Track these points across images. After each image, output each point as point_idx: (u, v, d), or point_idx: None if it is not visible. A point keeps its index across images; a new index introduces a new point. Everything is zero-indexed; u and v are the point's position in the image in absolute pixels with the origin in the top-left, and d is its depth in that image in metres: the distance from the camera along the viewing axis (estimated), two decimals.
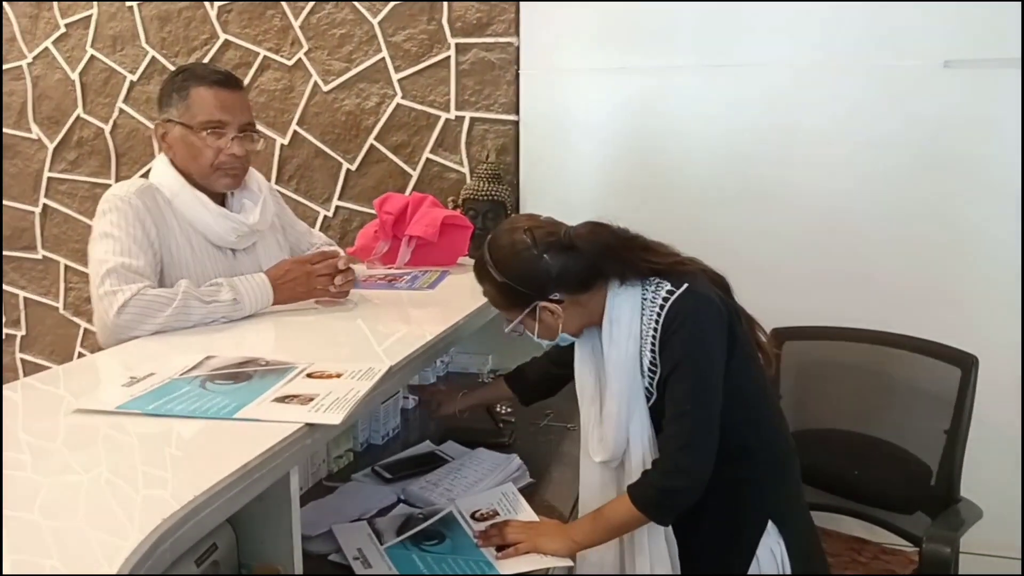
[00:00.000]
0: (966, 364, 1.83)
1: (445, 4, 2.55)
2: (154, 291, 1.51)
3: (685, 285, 1.36)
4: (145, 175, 2.97)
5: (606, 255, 1.39)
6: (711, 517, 1.41)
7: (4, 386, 1.27)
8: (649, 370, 1.39)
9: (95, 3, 3.00)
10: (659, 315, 1.36)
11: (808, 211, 2.25)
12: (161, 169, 1.70)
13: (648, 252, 1.42)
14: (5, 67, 3.20)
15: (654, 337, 1.36)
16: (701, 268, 1.45)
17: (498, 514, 1.50)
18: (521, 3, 2.47)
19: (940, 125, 2.12)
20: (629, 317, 1.39)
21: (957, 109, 2.10)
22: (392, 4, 2.61)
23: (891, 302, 2.18)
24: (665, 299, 1.36)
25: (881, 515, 1.96)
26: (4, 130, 3.26)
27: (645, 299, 1.38)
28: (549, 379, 1.76)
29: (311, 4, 2.71)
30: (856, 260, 2.23)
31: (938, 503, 1.83)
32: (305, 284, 1.69)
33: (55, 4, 3.05)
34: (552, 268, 1.39)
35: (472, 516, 1.49)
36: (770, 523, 1.41)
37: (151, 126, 2.99)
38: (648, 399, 1.40)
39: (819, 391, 2.07)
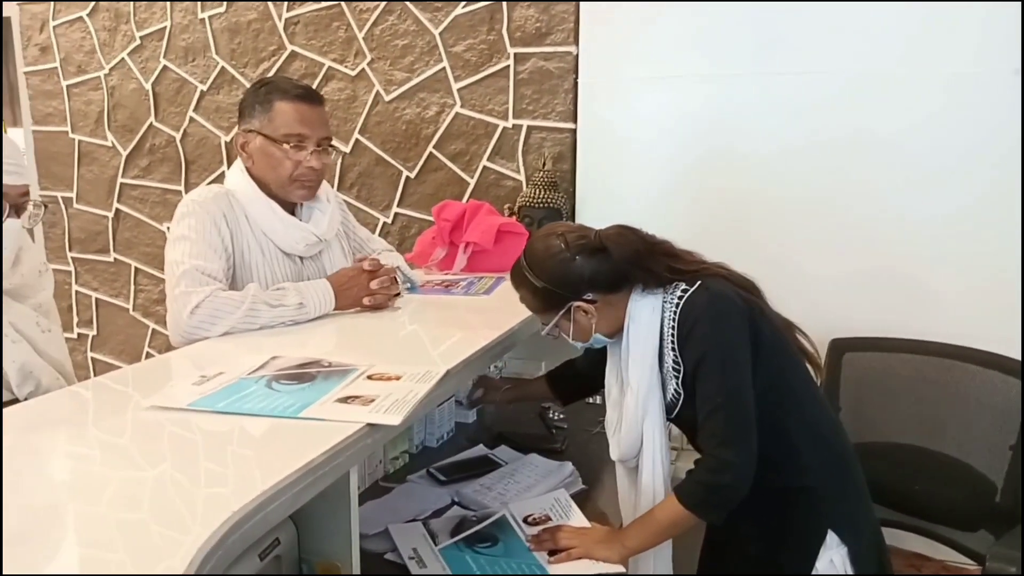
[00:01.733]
0: None
1: (505, 15, 2.58)
2: (225, 294, 1.56)
3: (699, 283, 1.39)
4: (214, 182, 3.10)
5: (632, 259, 1.42)
6: (766, 526, 1.41)
7: (78, 384, 1.33)
8: (673, 370, 1.41)
9: (169, 15, 3.11)
10: (675, 313, 1.39)
11: (869, 221, 2.22)
12: (237, 176, 1.76)
13: (673, 258, 1.45)
14: (85, 78, 3.35)
15: (673, 336, 1.39)
16: (724, 273, 1.45)
17: (550, 519, 1.51)
18: (581, 13, 2.49)
19: (1009, 133, 2.06)
20: (648, 318, 1.42)
21: (1011, 116, 2.04)
22: (454, 15, 2.66)
23: (956, 313, 2.13)
24: (680, 297, 1.39)
25: (943, 531, 1.91)
26: (82, 138, 3.41)
27: (665, 301, 1.41)
28: (583, 380, 1.80)
29: (375, 16, 2.77)
30: (919, 270, 2.18)
31: (1003, 521, 1.78)
32: (364, 290, 1.74)
33: (131, 19, 3.18)
34: (584, 269, 1.43)
35: (525, 520, 1.50)
36: (830, 533, 1.39)
37: (220, 134, 3.10)
38: (676, 401, 1.42)
39: (880, 404, 2.03)
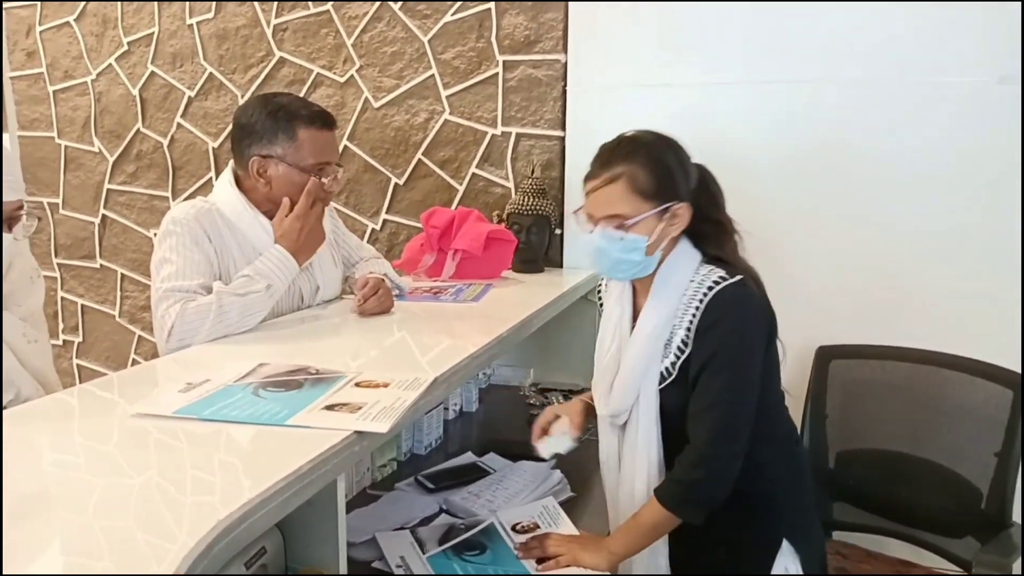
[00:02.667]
0: (1018, 385, 1.79)
1: (494, 22, 2.59)
2: (193, 305, 1.56)
3: (739, 277, 1.36)
4: (201, 188, 3.09)
5: (713, 200, 1.44)
6: (725, 534, 1.41)
7: (63, 391, 1.33)
8: (678, 348, 1.38)
9: (157, 21, 3.11)
10: (704, 296, 1.35)
11: (856, 228, 2.23)
12: (226, 191, 1.76)
13: (725, 233, 1.44)
14: (72, 83, 3.33)
15: (695, 316, 1.35)
16: (755, 275, 1.44)
17: (539, 527, 1.51)
18: (569, 21, 2.50)
19: (994, 142, 2.08)
20: (680, 275, 1.39)
21: (1012, 126, 2.06)
22: (443, 22, 2.66)
23: (941, 321, 2.14)
24: (716, 283, 1.35)
25: (929, 538, 1.92)
26: (68, 143, 3.39)
27: (696, 275, 1.39)
28: None
29: (364, 23, 2.78)
30: (906, 278, 2.20)
31: (989, 527, 1.79)
32: (317, 229, 1.75)
33: (119, 24, 3.17)
34: (694, 176, 1.43)
35: (513, 528, 1.50)
36: (785, 542, 1.40)
37: (208, 140, 3.09)
38: (665, 377, 1.40)
39: (866, 411, 2.04)
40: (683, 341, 1.37)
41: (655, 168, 1.38)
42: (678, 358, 1.38)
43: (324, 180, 1.73)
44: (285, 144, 1.71)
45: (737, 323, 1.34)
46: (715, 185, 1.47)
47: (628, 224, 1.37)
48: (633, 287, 1.50)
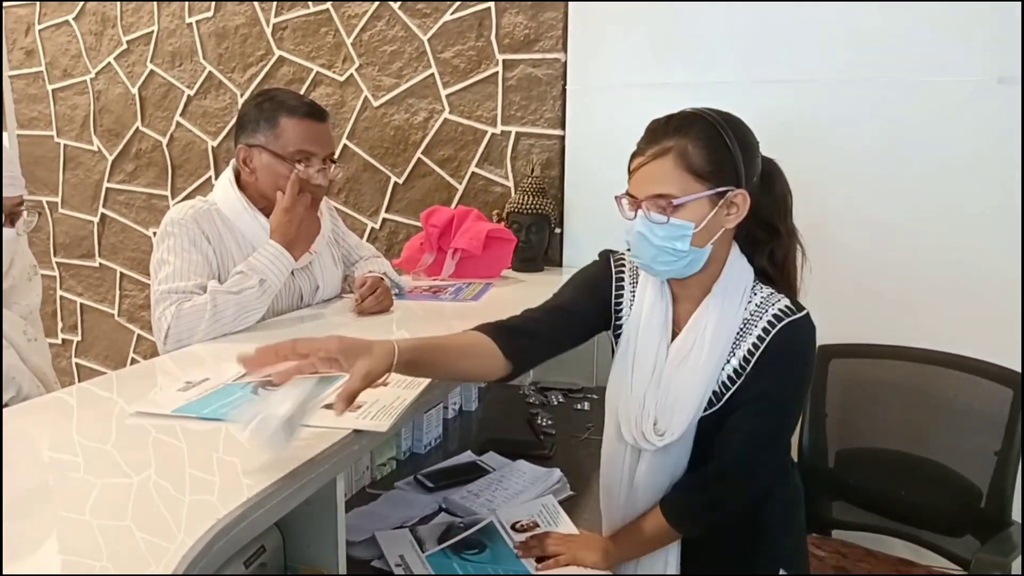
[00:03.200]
0: (1018, 384, 1.79)
1: (494, 21, 2.59)
2: (188, 305, 1.56)
3: (806, 312, 1.24)
4: (200, 187, 3.09)
5: (776, 201, 1.30)
6: (723, 561, 1.38)
7: (62, 390, 1.32)
8: (730, 376, 1.25)
9: (156, 20, 3.11)
10: (770, 326, 1.22)
11: (854, 228, 2.23)
12: (225, 190, 1.76)
13: (779, 245, 1.30)
14: (71, 82, 3.33)
15: (755, 346, 1.23)
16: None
17: (538, 525, 1.51)
18: (569, 20, 2.49)
19: (992, 141, 2.08)
20: (739, 284, 1.26)
21: (1010, 125, 2.06)
22: (442, 21, 2.66)
23: (941, 320, 2.14)
24: (783, 313, 1.23)
25: (929, 537, 1.92)
26: (67, 142, 3.39)
27: (755, 296, 1.26)
28: (539, 341, 1.32)
29: (364, 21, 2.77)
30: (904, 277, 2.20)
31: (989, 526, 1.79)
32: (309, 220, 1.73)
33: (118, 23, 3.17)
34: (760, 166, 1.28)
35: (512, 527, 1.50)
36: (782, 572, 1.39)
37: (207, 139, 3.08)
38: (713, 403, 1.26)
39: (866, 410, 2.04)
40: (736, 370, 1.25)
41: (711, 144, 1.20)
42: (727, 388, 1.25)
43: (306, 169, 1.71)
44: (267, 132, 1.71)
45: (800, 367, 1.26)
46: (783, 185, 1.32)
47: (675, 204, 1.20)
48: (672, 292, 1.33)
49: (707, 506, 1.31)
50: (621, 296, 1.40)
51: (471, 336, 1.26)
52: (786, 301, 1.25)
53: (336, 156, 1.83)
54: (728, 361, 1.25)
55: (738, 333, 1.25)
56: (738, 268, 1.28)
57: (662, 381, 1.29)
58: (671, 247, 1.22)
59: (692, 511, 1.31)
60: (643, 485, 1.33)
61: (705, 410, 1.26)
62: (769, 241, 1.31)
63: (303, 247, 1.71)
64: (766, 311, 1.24)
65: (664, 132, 1.23)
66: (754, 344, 1.24)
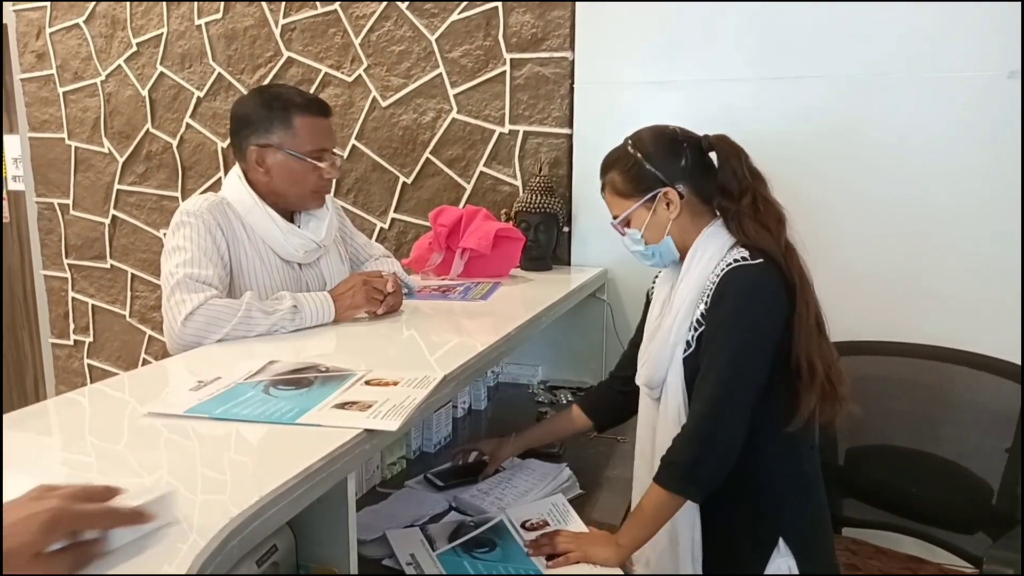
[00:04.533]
0: None
1: (501, 21, 2.59)
2: (221, 301, 1.56)
3: (759, 260, 1.38)
4: (210, 188, 3.10)
5: (730, 177, 1.45)
6: (721, 525, 1.42)
7: (74, 391, 1.33)
8: (697, 321, 1.42)
9: (166, 22, 3.12)
10: (722, 271, 1.39)
11: (865, 224, 2.22)
12: (235, 185, 1.77)
13: (755, 210, 1.44)
14: (82, 84, 3.35)
15: (710, 292, 1.39)
16: (782, 258, 1.40)
17: (548, 524, 1.51)
18: (576, 18, 2.49)
19: (1003, 136, 2.07)
20: (710, 256, 1.43)
21: (1020, 121, 2.05)
22: (450, 21, 2.66)
23: (951, 316, 2.14)
24: (736, 262, 1.38)
25: (940, 534, 1.91)
26: (78, 144, 3.41)
27: (727, 256, 1.41)
28: (620, 403, 1.72)
29: (372, 22, 2.78)
30: (915, 274, 2.19)
31: (1000, 523, 1.78)
32: (363, 299, 1.73)
33: (128, 25, 3.18)
34: (687, 158, 1.47)
35: (522, 525, 1.51)
36: (782, 542, 1.40)
37: (217, 141, 3.10)
38: (686, 349, 1.43)
39: (875, 407, 2.03)
40: (702, 314, 1.41)
41: (626, 167, 1.50)
42: (696, 331, 1.42)
43: (323, 166, 1.74)
44: (282, 132, 1.72)
45: (743, 302, 1.36)
46: (729, 155, 1.47)
47: (621, 222, 1.52)
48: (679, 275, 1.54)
49: (693, 461, 1.34)
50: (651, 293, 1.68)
51: (568, 420, 1.78)
52: (744, 253, 1.39)
53: (345, 155, 1.84)
54: (698, 307, 1.42)
55: (707, 288, 1.41)
56: (709, 240, 1.46)
57: (649, 343, 1.54)
58: (636, 250, 1.54)
59: (681, 470, 1.34)
60: (661, 430, 1.47)
61: (684, 352, 1.43)
62: (731, 208, 1.45)
63: (347, 315, 1.71)
64: (724, 262, 1.40)
65: (602, 171, 1.56)
66: (711, 290, 1.40)
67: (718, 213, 1.49)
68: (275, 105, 1.73)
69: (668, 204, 1.47)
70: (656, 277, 1.68)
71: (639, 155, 1.48)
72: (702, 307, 1.41)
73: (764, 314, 1.37)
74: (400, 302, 1.83)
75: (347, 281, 1.75)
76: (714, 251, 1.44)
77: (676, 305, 1.46)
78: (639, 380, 1.56)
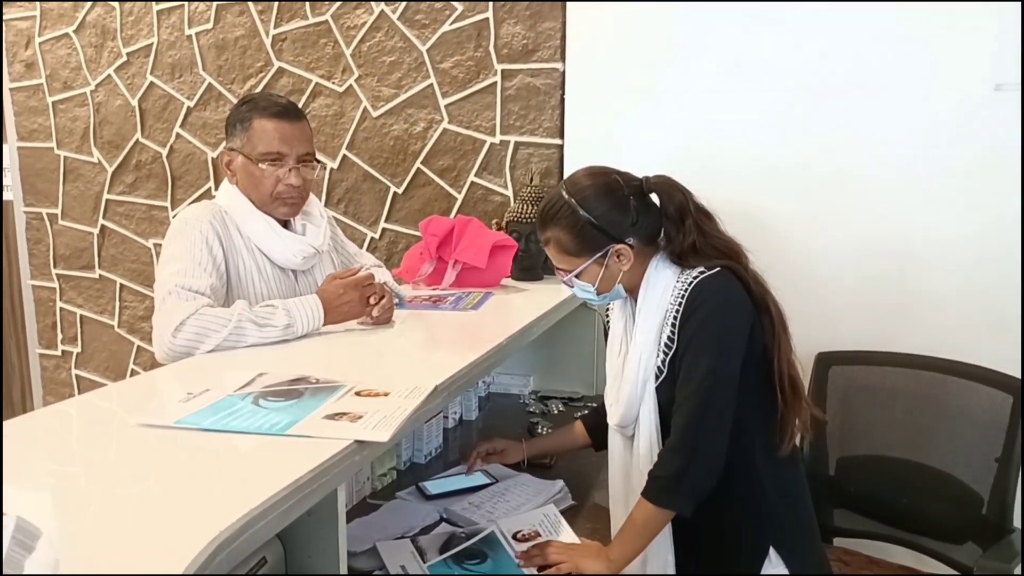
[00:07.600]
0: (1018, 391, 1.79)
1: (492, 32, 2.60)
2: (213, 311, 1.54)
3: (717, 269, 1.39)
4: (200, 198, 3.09)
5: (674, 215, 1.43)
6: (711, 537, 1.42)
7: (62, 402, 1.32)
8: (665, 345, 1.40)
9: (156, 32, 3.12)
10: (685, 291, 1.38)
11: (855, 235, 2.24)
12: (230, 192, 1.76)
13: (703, 234, 1.42)
14: (71, 94, 3.34)
15: (677, 311, 1.38)
16: (740, 269, 1.42)
17: (540, 535, 1.51)
18: (567, 30, 2.50)
19: (990, 149, 2.09)
20: (664, 286, 1.42)
21: (1008, 133, 2.06)
22: (441, 32, 2.67)
23: (941, 326, 2.15)
24: (696, 278, 1.38)
25: (930, 544, 1.92)
26: (67, 154, 3.39)
27: (678, 280, 1.41)
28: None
29: (363, 33, 2.78)
30: (905, 284, 2.20)
31: (990, 533, 1.79)
32: (357, 306, 1.71)
33: (118, 35, 3.18)
34: (635, 212, 1.43)
35: (514, 536, 1.50)
36: (772, 551, 1.40)
37: (207, 151, 3.09)
38: (657, 376, 1.42)
39: (866, 417, 2.04)
40: (669, 337, 1.40)
41: (574, 227, 1.43)
42: (666, 355, 1.40)
43: (276, 170, 1.71)
44: (242, 135, 1.72)
45: (713, 308, 1.36)
46: (674, 194, 1.44)
47: (571, 276, 1.48)
48: (636, 299, 1.51)
49: (679, 473, 1.33)
50: (609, 316, 1.65)
51: (572, 435, 1.82)
52: (702, 268, 1.39)
53: (316, 155, 1.82)
54: (662, 334, 1.41)
55: (669, 309, 1.40)
56: (658, 273, 1.44)
57: (617, 383, 1.51)
58: (588, 297, 1.51)
59: (667, 483, 1.33)
60: (635, 465, 1.46)
61: (656, 380, 1.42)
62: (677, 239, 1.43)
63: (335, 320, 1.68)
64: (685, 282, 1.39)
65: (541, 225, 1.49)
66: (678, 310, 1.39)
67: (662, 245, 1.48)
68: (243, 108, 1.74)
69: (619, 257, 1.44)
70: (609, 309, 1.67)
71: (585, 214, 1.41)
72: (668, 330, 1.40)
73: (738, 316, 1.38)
74: (391, 314, 1.82)
75: (337, 287, 1.70)
76: (667, 279, 1.42)
77: (639, 341, 1.44)
78: (612, 421, 1.53)
